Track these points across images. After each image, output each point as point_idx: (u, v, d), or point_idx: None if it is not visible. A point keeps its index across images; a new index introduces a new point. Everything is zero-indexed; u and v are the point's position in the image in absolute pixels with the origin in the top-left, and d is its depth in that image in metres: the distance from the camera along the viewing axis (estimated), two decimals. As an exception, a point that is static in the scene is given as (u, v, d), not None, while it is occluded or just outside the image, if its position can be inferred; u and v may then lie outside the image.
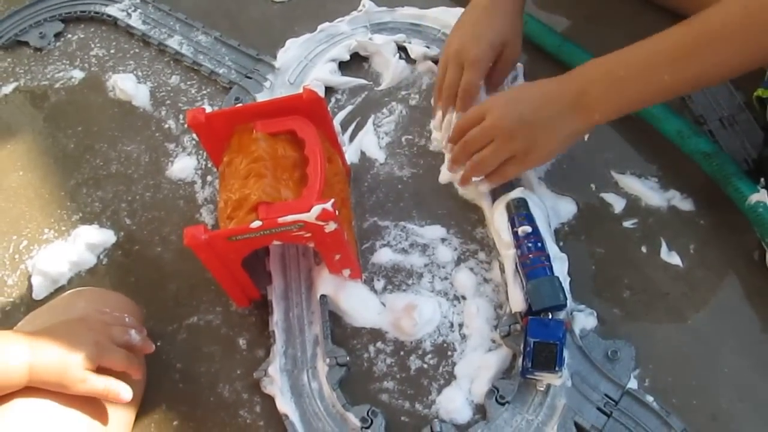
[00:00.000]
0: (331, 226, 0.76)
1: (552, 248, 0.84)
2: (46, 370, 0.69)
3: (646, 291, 0.86)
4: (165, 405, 0.85)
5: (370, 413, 0.79)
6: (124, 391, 0.73)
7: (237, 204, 0.80)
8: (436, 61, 1.07)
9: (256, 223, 0.75)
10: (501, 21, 0.93)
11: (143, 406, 0.84)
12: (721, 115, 0.96)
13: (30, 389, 0.70)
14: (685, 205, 0.92)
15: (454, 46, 0.93)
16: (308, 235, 0.78)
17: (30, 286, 0.96)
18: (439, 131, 0.98)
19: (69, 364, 0.70)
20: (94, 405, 0.74)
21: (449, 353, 0.84)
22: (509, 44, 0.93)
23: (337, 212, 0.75)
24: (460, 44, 0.92)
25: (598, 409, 0.77)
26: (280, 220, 0.75)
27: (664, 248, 0.89)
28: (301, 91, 0.85)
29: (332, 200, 0.75)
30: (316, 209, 0.74)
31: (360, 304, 0.87)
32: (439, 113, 0.97)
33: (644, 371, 0.81)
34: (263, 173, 0.80)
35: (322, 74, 1.07)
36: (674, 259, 0.88)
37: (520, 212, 0.86)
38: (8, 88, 1.19)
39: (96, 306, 0.83)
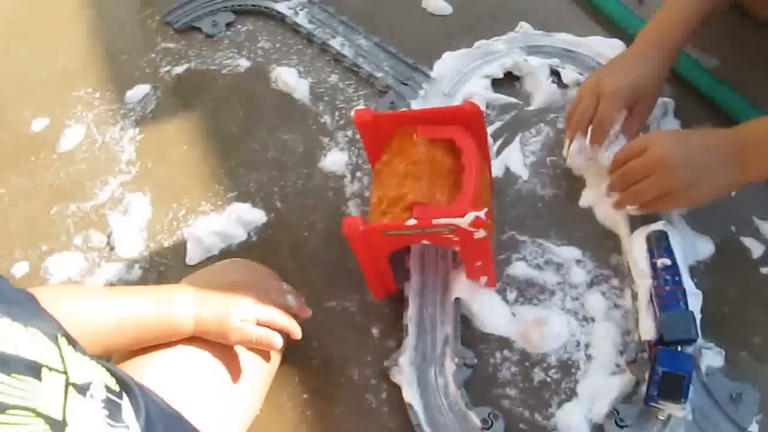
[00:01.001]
0: (480, 234, 0.81)
1: (688, 283, 0.86)
2: (210, 322, 0.77)
3: (777, 339, 0.87)
4: (297, 378, 0.92)
5: (491, 416, 0.83)
6: (276, 337, 0.80)
7: (392, 201, 0.85)
8: (587, 89, 1.10)
9: (412, 221, 0.80)
10: (646, 69, 0.95)
11: (278, 377, 0.90)
12: None
13: (190, 339, 0.78)
14: (827, 260, 0.91)
15: (594, 79, 0.96)
16: (456, 239, 0.82)
17: (184, 251, 1.05)
18: (568, 156, 1.01)
19: (230, 317, 0.77)
20: (238, 362, 0.82)
21: (573, 371, 0.87)
22: (648, 95, 0.96)
23: (489, 221, 0.80)
24: (600, 78, 0.96)
25: (717, 447, 0.78)
26: (435, 221, 0.80)
27: (800, 300, 0.89)
28: (455, 102, 0.90)
29: (485, 209, 0.79)
30: (470, 216, 0.79)
31: (491, 311, 0.91)
32: (567, 141, 1.00)
33: (767, 418, 0.82)
34: (421, 176, 0.86)
35: (475, 89, 1.11)
36: (810, 312, 0.88)
37: (660, 244, 0.87)
38: (180, 68, 1.29)
39: (249, 275, 0.90)
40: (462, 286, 0.92)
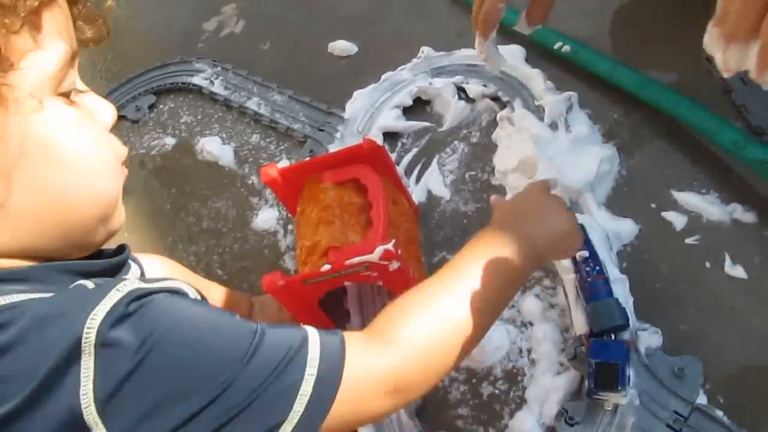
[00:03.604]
0: (394, 265, 0.82)
1: (612, 271, 0.87)
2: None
3: (711, 306, 0.87)
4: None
5: (446, 439, 0.84)
6: None
7: (310, 250, 0.87)
8: (494, 99, 1.12)
9: (326, 267, 0.82)
10: None
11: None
12: (780, 125, 0.96)
13: None
14: (747, 217, 0.92)
15: None
16: (375, 274, 0.84)
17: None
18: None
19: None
20: None
21: (519, 378, 0.88)
22: None
23: (399, 251, 0.81)
24: None
25: (668, 426, 0.78)
26: (348, 262, 0.81)
27: (728, 262, 0.89)
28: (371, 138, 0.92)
29: (393, 241, 0.81)
30: (379, 250, 0.80)
31: (432, 335, 0.92)
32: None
33: (715, 386, 0.82)
34: (332, 220, 0.87)
35: (386, 121, 1.14)
36: (738, 272, 0.88)
37: (577, 238, 0.89)
38: (111, 159, 1.32)
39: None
40: (399, 317, 0.93)
